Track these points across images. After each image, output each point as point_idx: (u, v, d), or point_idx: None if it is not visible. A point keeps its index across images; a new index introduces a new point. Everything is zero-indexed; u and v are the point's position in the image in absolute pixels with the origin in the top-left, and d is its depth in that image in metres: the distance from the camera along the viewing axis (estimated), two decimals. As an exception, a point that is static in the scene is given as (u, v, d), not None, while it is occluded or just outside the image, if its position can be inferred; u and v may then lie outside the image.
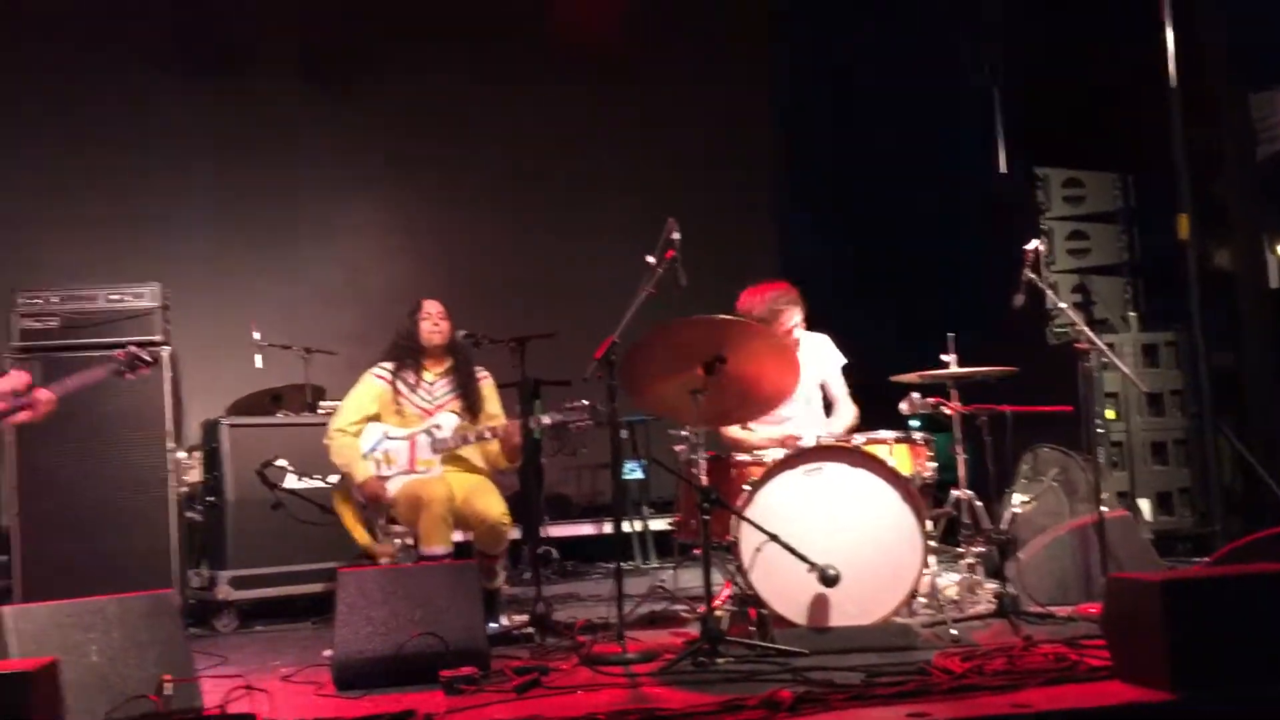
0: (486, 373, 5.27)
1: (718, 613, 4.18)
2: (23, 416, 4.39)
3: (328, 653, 4.35)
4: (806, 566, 4.02)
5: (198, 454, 6.13)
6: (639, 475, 7.71)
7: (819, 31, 8.73)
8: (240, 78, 8.23)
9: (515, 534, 5.49)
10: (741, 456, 4.73)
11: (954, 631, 4.17)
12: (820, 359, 5.13)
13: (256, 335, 6.50)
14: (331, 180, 8.37)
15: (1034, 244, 4.85)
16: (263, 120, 8.26)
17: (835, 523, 4.28)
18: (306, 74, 8.41)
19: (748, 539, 4.24)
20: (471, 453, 5.06)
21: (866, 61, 8.28)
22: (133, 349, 4.64)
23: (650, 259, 4.46)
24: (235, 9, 8.36)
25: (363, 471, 4.92)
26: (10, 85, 7.79)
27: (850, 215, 8.35)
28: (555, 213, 8.64)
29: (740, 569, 4.29)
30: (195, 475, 6.10)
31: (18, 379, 4.40)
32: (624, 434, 7.41)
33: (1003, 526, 4.98)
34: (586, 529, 7.72)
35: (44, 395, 4.39)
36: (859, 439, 4.61)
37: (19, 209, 7.60)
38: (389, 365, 5.16)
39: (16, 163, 7.70)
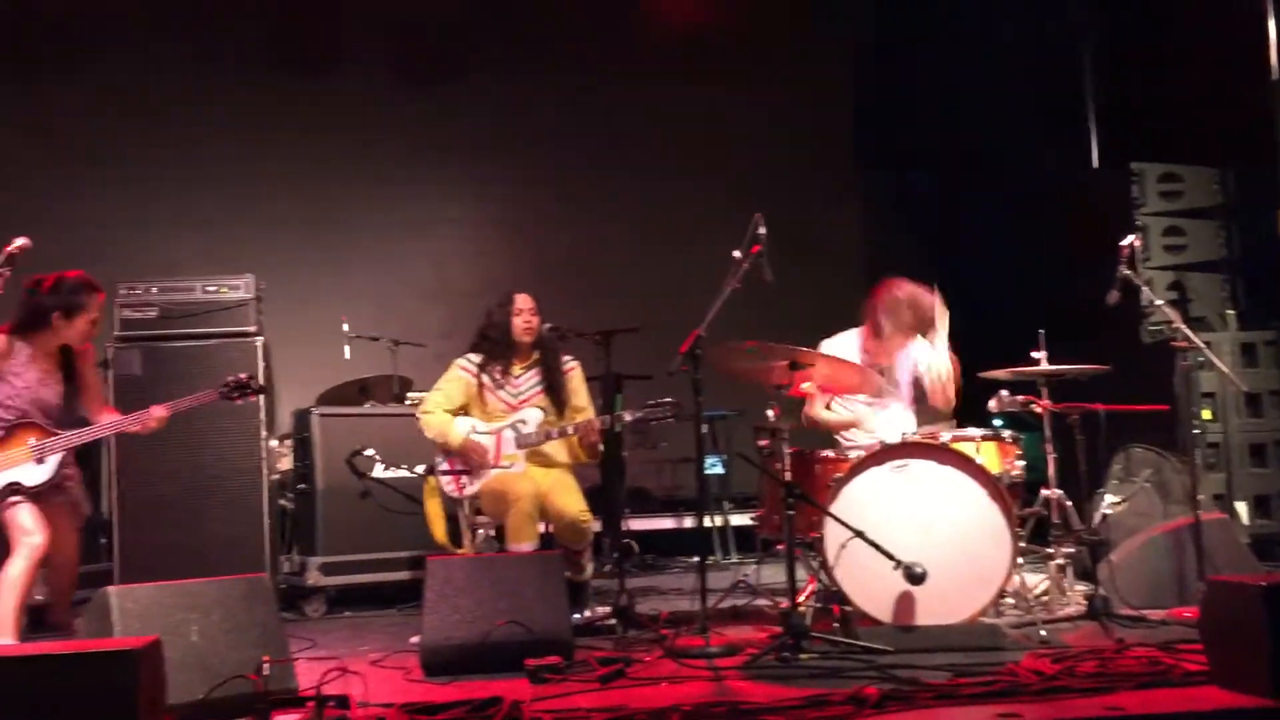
0: (575, 362, 5.25)
1: (801, 609, 4.16)
2: (133, 429, 4.54)
3: (415, 639, 4.42)
4: (892, 564, 3.99)
5: (289, 442, 6.26)
6: (719, 470, 7.72)
7: (906, 24, 8.63)
8: (333, 76, 8.40)
9: (596, 527, 5.52)
10: (826, 452, 4.71)
11: (1043, 633, 4.11)
12: (916, 356, 5.10)
13: (345, 327, 6.64)
14: (420, 176, 8.51)
15: (1130, 239, 4.76)
16: (354, 117, 8.44)
17: (922, 520, 4.24)
18: (397, 72, 8.54)
19: (832, 535, 4.22)
20: (554, 447, 5.07)
21: (956, 52, 8.16)
22: (244, 376, 4.72)
23: (736, 254, 4.46)
24: (328, 9, 8.52)
25: (457, 434, 4.97)
26: (110, 86, 8.05)
27: (938, 209, 8.25)
28: (641, 207, 8.67)
29: (825, 565, 4.27)
30: (286, 463, 6.24)
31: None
32: (704, 428, 7.41)
33: (1093, 527, 4.88)
34: (666, 523, 7.74)
35: (157, 412, 4.50)
36: (945, 436, 4.56)
37: (121, 203, 7.86)
38: (476, 358, 5.16)
39: (118, 160, 7.96)
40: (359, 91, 8.49)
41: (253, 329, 5.86)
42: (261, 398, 5.73)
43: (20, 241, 4.02)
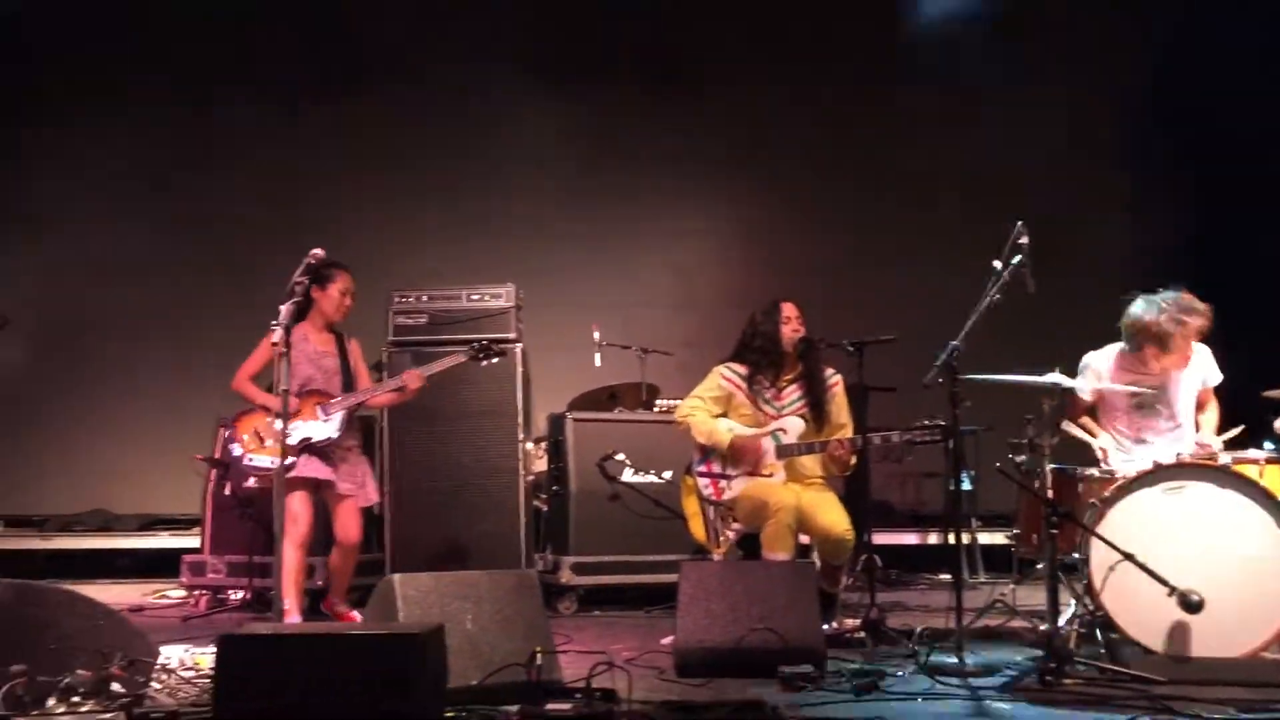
0: (839, 376, 5.15)
1: (1063, 631, 4.01)
2: (394, 389, 5.23)
3: (666, 640, 4.53)
4: (1166, 590, 3.79)
5: (543, 445, 6.52)
6: (966, 486, 7.49)
7: (1181, 22, 8.15)
8: (584, 88, 8.66)
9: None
10: (1090, 471, 4.53)
11: (1337, 672, 3.81)
12: (1202, 373, 4.85)
13: (596, 335, 6.85)
14: (669, 186, 8.67)
15: None
16: (604, 128, 8.69)
17: (1198, 546, 4.01)
18: (652, 81, 8.73)
19: (1098, 558, 4.05)
20: (809, 458, 5.02)
21: (1238, 49, 7.63)
22: (489, 339, 5.47)
23: (996, 264, 4.35)
24: (586, 18, 8.81)
25: (726, 434, 4.94)
26: (378, 108, 8.63)
27: (1214, 216, 7.75)
28: (893, 215, 8.54)
29: (1090, 588, 4.10)
30: (541, 465, 6.49)
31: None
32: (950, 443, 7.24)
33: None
34: (909, 538, 7.60)
35: (412, 376, 5.17)
36: (1225, 458, 4.30)
37: (393, 216, 8.42)
38: (740, 369, 5.09)
39: (393, 173, 8.54)
40: (609, 103, 8.74)
41: (512, 335, 6.14)
42: (520, 402, 6.04)
43: (315, 252, 4.41)
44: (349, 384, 5.24)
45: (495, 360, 5.46)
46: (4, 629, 3.41)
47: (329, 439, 5.09)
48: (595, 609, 5.98)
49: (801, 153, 8.63)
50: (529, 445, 6.22)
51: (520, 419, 6.06)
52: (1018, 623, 4.88)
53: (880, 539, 7.22)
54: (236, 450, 5.16)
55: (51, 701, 3.10)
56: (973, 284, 4.44)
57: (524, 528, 5.96)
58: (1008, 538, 5.64)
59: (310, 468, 5.07)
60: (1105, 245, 8.30)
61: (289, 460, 4.95)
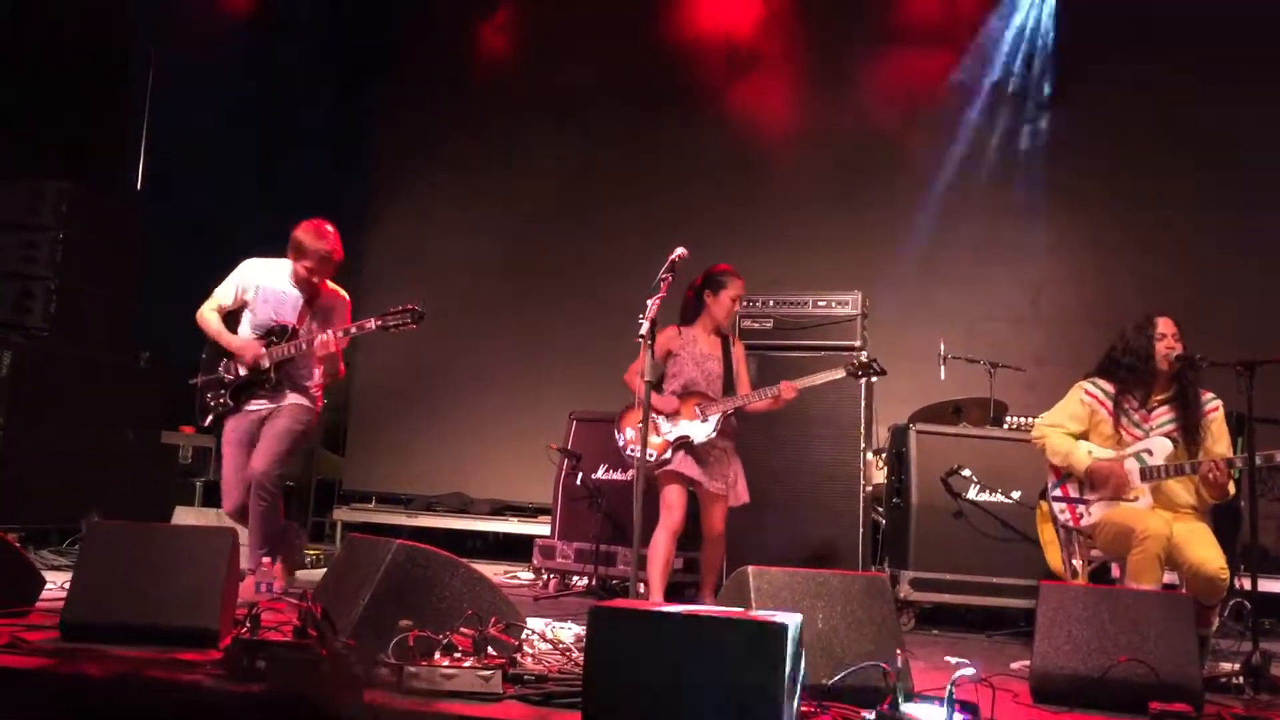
0: (1218, 401, 4.74)
1: None
2: (766, 400, 5.31)
3: (1016, 664, 4.35)
4: None
5: (883, 456, 6.41)
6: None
7: None
8: (945, 103, 8.52)
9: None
10: None
11: None
12: None
13: (941, 347, 6.68)
14: (1020, 199, 8.37)
15: None
16: (952, 141, 8.49)
17: None
18: (1009, 95, 8.47)
19: None
20: (1180, 486, 4.65)
21: None
22: (868, 357, 5.53)
23: None
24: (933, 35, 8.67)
25: (1083, 456, 4.69)
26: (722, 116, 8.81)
27: None
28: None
29: None
30: (879, 477, 6.38)
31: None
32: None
33: None
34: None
35: (785, 387, 5.27)
36: None
37: (742, 221, 8.59)
38: (1106, 386, 4.80)
39: (739, 180, 8.76)
40: (965, 114, 8.54)
41: (857, 344, 6.11)
42: (863, 412, 6.00)
43: (680, 251, 4.58)
44: (730, 387, 5.44)
45: (875, 379, 5.62)
46: (397, 586, 3.74)
47: (705, 439, 5.30)
48: (933, 628, 5.80)
49: (1152, 162, 8.08)
50: (869, 455, 6.14)
51: (862, 429, 6.01)
52: None
53: (1248, 584, 6.61)
54: (620, 441, 5.47)
55: (436, 655, 3.34)
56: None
57: (861, 538, 5.90)
58: None
59: (684, 464, 5.30)
60: None
61: (666, 455, 5.27)
